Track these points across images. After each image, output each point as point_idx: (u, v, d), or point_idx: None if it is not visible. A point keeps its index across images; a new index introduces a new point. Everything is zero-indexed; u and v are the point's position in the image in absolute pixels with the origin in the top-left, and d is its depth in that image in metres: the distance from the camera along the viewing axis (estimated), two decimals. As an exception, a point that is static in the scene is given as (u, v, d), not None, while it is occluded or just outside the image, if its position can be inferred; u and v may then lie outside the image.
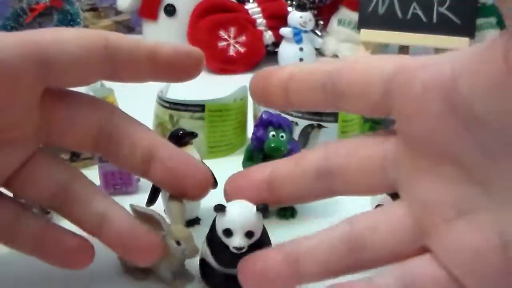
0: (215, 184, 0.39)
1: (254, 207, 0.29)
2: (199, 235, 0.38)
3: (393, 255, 0.25)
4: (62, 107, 0.27)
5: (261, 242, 0.31)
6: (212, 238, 0.31)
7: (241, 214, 0.29)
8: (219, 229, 0.30)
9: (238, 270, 0.28)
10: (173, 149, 0.29)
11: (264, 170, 0.29)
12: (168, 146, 0.29)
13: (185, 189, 0.28)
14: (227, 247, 0.30)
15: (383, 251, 0.25)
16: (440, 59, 0.23)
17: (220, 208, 0.30)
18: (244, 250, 0.29)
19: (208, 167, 0.29)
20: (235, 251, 0.30)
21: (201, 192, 0.29)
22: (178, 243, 0.31)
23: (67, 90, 0.27)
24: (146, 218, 0.31)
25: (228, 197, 0.30)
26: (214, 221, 0.31)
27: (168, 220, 0.32)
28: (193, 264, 0.34)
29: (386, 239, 0.25)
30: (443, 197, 0.23)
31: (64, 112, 0.27)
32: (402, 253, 0.25)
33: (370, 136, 0.27)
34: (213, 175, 0.39)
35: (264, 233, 0.32)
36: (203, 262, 0.33)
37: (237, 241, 0.29)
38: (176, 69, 0.29)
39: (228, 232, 0.30)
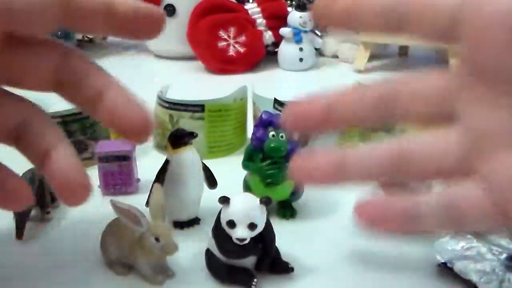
0: (214, 183, 0.40)
1: (258, 200, 0.30)
2: (199, 235, 0.38)
3: (438, 171, 0.26)
4: (19, 51, 0.28)
5: (265, 234, 0.31)
6: (217, 230, 0.32)
7: (244, 206, 0.30)
8: (223, 221, 0.31)
9: (291, 165, 0.28)
10: (121, 92, 0.29)
11: (324, 98, 0.28)
12: (117, 89, 0.29)
13: (124, 131, 0.29)
14: (231, 238, 0.31)
15: (428, 165, 0.26)
16: None
17: (224, 200, 0.31)
18: (246, 242, 0.30)
19: (148, 113, 0.29)
20: (237, 242, 0.30)
21: (139, 135, 0.29)
22: (157, 239, 0.31)
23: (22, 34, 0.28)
24: (126, 214, 0.32)
25: (285, 122, 0.28)
26: (219, 213, 0.32)
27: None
28: (200, 255, 0.34)
29: (434, 155, 0.26)
30: (501, 126, 0.24)
31: (21, 56, 0.28)
32: (447, 172, 0.26)
33: (430, 72, 0.28)
34: (213, 175, 0.40)
35: (268, 225, 0.32)
36: (208, 253, 0.33)
37: (239, 233, 0.30)
38: (134, 26, 0.29)
39: (231, 224, 0.30)
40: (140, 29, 0.30)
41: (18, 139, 0.29)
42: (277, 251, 0.34)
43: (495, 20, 0.23)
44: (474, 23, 0.24)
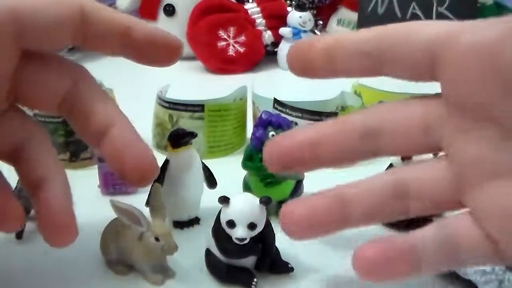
0: (214, 183, 0.40)
1: (257, 200, 0.30)
2: (199, 234, 0.38)
3: (435, 205, 0.26)
4: (33, 70, 0.27)
5: (265, 234, 0.31)
6: (217, 230, 0.32)
7: (244, 206, 0.30)
8: (223, 221, 0.31)
9: (281, 216, 0.27)
10: (126, 130, 0.29)
11: (307, 131, 0.28)
12: (124, 125, 0.29)
13: (125, 172, 0.28)
14: (231, 238, 0.31)
15: (425, 200, 0.26)
16: (489, 23, 0.23)
17: (224, 200, 0.31)
18: (246, 242, 0.30)
19: (154, 156, 0.29)
20: (237, 242, 0.30)
21: (140, 179, 0.28)
22: (157, 239, 0.31)
23: (37, 52, 0.28)
24: (126, 214, 0.32)
25: (268, 158, 0.28)
26: (219, 212, 0.32)
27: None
28: (200, 255, 0.35)
29: (428, 189, 0.26)
30: (484, 157, 0.24)
31: (35, 75, 0.27)
32: (443, 204, 0.26)
33: (413, 99, 0.27)
34: (213, 175, 0.40)
35: (268, 225, 0.32)
36: (208, 253, 0.34)
37: (239, 232, 0.30)
38: (149, 54, 0.29)
39: (231, 224, 0.31)
40: (154, 57, 0.29)
41: (16, 161, 0.29)
42: (277, 251, 0.34)
43: (471, 53, 0.23)
44: (450, 58, 0.24)
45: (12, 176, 0.41)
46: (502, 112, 0.23)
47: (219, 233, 0.32)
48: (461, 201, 0.25)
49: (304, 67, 0.28)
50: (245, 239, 0.30)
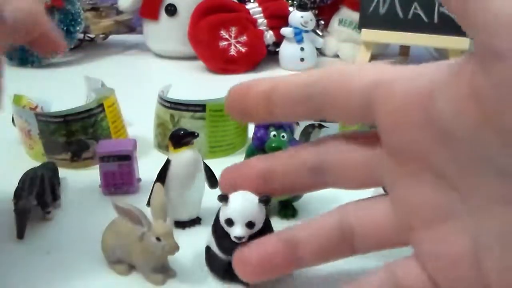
0: (215, 183, 0.40)
1: (257, 198, 0.30)
2: (200, 234, 0.38)
3: (380, 245, 0.27)
4: None
5: (264, 233, 0.31)
6: (216, 227, 0.32)
7: (242, 204, 0.30)
8: (222, 219, 0.31)
9: (234, 260, 0.29)
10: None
11: (259, 163, 0.30)
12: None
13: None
14: (229, 236, 0.31)
15: (370, 241, 0.27)
16: (420, 71, 0.23)
17: (223, 198, 0.31)
18: (244, 240, 0.30)
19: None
20: (235, 240, 0.31)
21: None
22: (158, 239, 0.31)
23: None
24: (127, 213, 0.32)
25: (223, 189, 0.31)
26: (219, 210, 0.32)
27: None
28: (201, 254, 0.35)
29: (371, 230, 0.27)
30: (423, 202, 0.24)
31: None
32: (388, 244, 0.27)
33: (361, 134, 0.28)
34: (214, 175, 0.40)
35: (267, 224, 0.32)
36: (208, 250, 0.34)
37: (237, 231, 0.30)
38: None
39: (229, 222, 0.31)
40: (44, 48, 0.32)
41: None
42: None
43: (403, 102, 0.23)
44: (384, 107, 0.24)
45: (12, 176, 0.41)
46: (438, 159, 0.23)
47: (218, 230, 0.32)
48: (406, 242, 0.26)
49: (242, 112, 0.29)
50: (243, 237, 0.30)
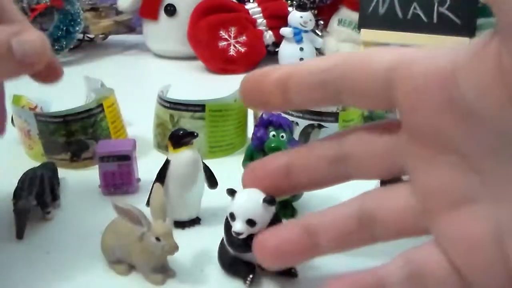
0: (215, 183, 0.40)
1: (262, 198, 0.30)
2: (200, 234, 0.38)
3: (400, 232, 0.27)
4: None
5: None
6: (227, 221, 0.33)
7: (245, 201, 0.31)
8: (227, 212, 0.31)
9: (254, 243, 0.29)
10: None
11: (280, 159, 0.30)
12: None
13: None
14: None
15: (391, 228, 0.27)
16: (438, 52, 0.23)
17: (230, 192, 0.31)
18: (243, 236, 0.31)
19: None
20: (234, 235, 0.31)
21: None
22: (157, 239, 0.32)
23: None
24: (126, 214, 0.32)
25: (246, 186, 0.31)
26: None
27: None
28: (201, 254, 0.35)
29: (392, 217, 0.26)
30: (445, 185, 0.24)
31: None
32: (408, 231, 0.26)
33: (379, 124, 0.28)
34: (213, 175, 0.40)
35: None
36: (221, 241, 0.34)
37: (237, 226, 0.31)
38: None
39: (232, 216, 0.31)
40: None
41: None
42: None
43: (425, 83, 0.23)
44: (405, 88, 0.24)
45: (12, 176, 0.41)
46: (460, 140, 0.23)
47: (227, 224, 0.32)
48: (426, 228, 0.25)
49: (258, 100, 0.28)
50: (241, 233, 0.30)
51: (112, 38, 1.03)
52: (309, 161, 0.29)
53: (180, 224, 0.39)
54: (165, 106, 0.51)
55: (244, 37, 0.82)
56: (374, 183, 0.38)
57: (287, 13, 0.83)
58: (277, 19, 0.84)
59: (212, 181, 0.39)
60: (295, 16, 0.81)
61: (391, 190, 0.27)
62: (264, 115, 0.40)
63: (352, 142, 0.28)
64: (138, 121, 0.58)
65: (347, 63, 0.25)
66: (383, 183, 0.38)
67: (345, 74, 0.25)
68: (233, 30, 0.82)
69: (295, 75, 0.26)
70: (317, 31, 0.88)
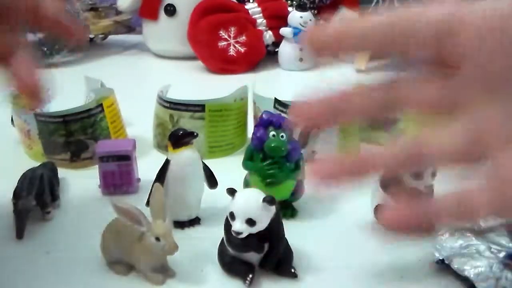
0: (215, 183, 0.40)
1: (261, 198, 0.30)
2: (200, 234, 0.38)
3: (452, 158, 0.27)
4: None
5: (271, 233, 0.32)
6: (227, 221, 0.33)
7: (245, 201, 0.31)
8: (227, 212, 0.32)
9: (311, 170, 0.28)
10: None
11: (329, 100, 0.29)
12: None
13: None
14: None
15: (443, 152, 0.27)
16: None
17: (230, 192, 0.32)
18: (242, 236, 0.31)
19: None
20: (234, 234, 0.31)
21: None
22: (157, 239, 0.32)
23: None
24: (126, 213, 0.32)
25: (293, 120, 0.28)
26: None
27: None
28: (200, 254, 0.35)
29: (446, 143, 0.26)
30: (497, 122, 0.25)
31: None
32: (461, 160, 0.27)
33: (429, 75, 0.28)
34: (213, 175, 0.40)
35: (276, 225, 0.32)
36: (221, 241, 0.34)
37: (237, 226, 0.31)
38: (55, 31, 0.33)
39: (232, 216, 0.31)
40: (62, 35, 0.32)
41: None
42: (290, 253, 0.34)
43: (488, 23, 0.24)
44: (468, 34, 0.24)
45: (11, 176, 0.41)
46: None
47: (227, 223, 0.32)
48: (477, 160, 0.26)
49: (318, 47, 0.28)
50: (241, 233, 0.30)
51: (111, 38, 1.03)
52: (358, 93, 0.28)
53: (180, 224, 0.39)
54: (165, 106, 0.51)
55: (244, 37, 0.82)
56: (372, 187, 0.38)
57: (287, 13, 0.83)
58: (277, 19, 0.84)
59: (212, 181, 0.39)
60: (295, 16, 0.81)
61: (443, 125, 0.27)
62: (264, 116, 0.40)
63: (403, 87, 0.28)
64: (138, 121, 0.58)
65: (403, 17, 0.26)
66: (383, 183, 0.38)
67: (400, 29, 0.26)
68: (233, 30, 0.82)
69: (351, 29, 0.27)
70: (317, 31, 0.88)
